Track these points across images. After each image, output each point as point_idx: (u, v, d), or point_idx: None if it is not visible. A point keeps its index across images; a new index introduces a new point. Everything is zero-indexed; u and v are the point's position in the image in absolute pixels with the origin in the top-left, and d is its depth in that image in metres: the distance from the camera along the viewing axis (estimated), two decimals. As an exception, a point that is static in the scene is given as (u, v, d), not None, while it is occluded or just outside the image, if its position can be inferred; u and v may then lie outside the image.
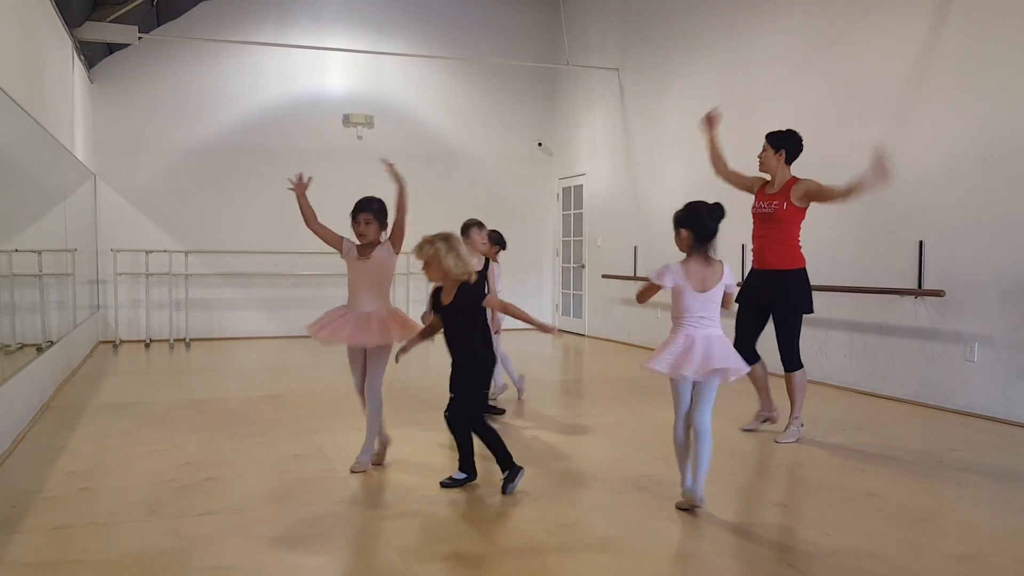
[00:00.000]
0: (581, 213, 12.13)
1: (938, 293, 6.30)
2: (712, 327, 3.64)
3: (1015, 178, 5.79)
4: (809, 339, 7.61)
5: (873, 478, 4.40)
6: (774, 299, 5.27)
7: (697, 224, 3.64)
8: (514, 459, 4.06)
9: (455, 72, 12.27)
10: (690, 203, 3.70)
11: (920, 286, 6.47)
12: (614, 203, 11.18)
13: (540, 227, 12.90)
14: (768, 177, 5.35)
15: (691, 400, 3.71)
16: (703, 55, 9.26)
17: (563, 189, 12.70)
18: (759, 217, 5.37)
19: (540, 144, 12.86)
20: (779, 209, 5.20)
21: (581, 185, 12.13)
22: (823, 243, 7.47)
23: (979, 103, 6.06)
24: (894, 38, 6.75)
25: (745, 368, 3.69)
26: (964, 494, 4.17)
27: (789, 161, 5.27)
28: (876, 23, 6.93)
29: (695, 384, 3.68)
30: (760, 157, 5.37)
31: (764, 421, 5.55)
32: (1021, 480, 4.45)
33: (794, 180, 5.21)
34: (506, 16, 12.50)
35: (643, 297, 3.75)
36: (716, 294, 3.65)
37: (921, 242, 6.47)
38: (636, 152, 10.67)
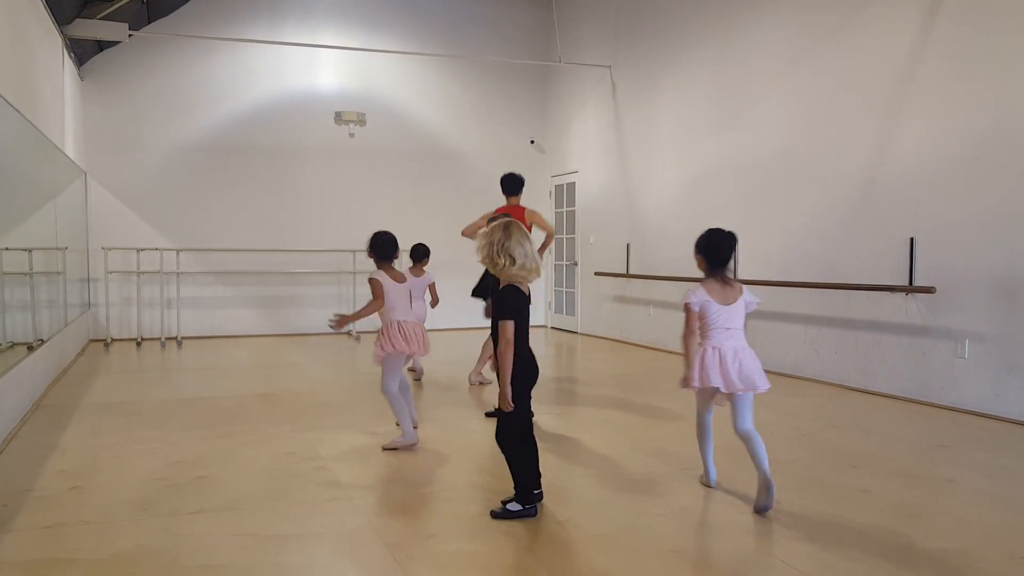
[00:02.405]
0: (573, 211, 12.14)
1: (929, 290, 6.32)
2: (738, 339, 3.91)
3: (1006, 175, 5.82)
4: (800, 336, 7.66)
5: (864, 474, 4.42)
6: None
7: (711, 253, 3.96)
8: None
9: (447, 69, 12.26)
10: (709, 231, 3.99)
11: (911, 283, 6.50)
12: (607, 200, 11.19)
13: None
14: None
15: (731, 407, 3.95)
16: (695, 52, 9.27)
17: (555, 187, 12.70)
18: None
19: (532, 141, 12.85)
20: None
21: (574, 183, 12.13)
22: (814, 240, 7.51)
23: (971, 100, 6.08)
24: (886, 35, 6.77)
25: (766, 385, 3.90)
26: (955, 490, 4.19)
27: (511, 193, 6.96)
28: (868, 20, 6.95)
29: (731, 396, 3.90)
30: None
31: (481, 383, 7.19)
32: (1011, 476, 4.48)
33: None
34: (498, 13, 12.49)
35: (689, 330, 3.95)
36: (738, 308, 3.93)
37: (912, 239, 6.50)
38: (628, 149, 10.68)
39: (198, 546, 3.32)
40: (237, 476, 4.35)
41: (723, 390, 3.87)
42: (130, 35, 9.15)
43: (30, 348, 6.41)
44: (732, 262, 3.99)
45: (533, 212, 6.99)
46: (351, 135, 11.60)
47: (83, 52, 10.02)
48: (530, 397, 3.77)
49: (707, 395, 4.04)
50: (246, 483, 4.21)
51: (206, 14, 10.88)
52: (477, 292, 7.14)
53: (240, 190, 11.25)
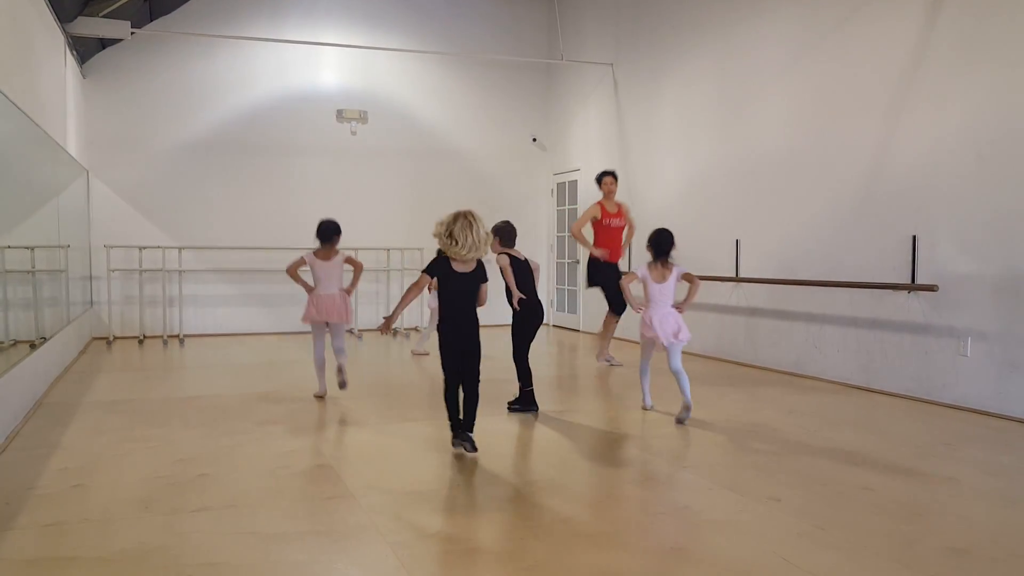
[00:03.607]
0: (575, 208, 12.11)
1: (931, 288, 6.31)
2: (667, 306, 5.74)
3: (1009, 173, 5.80)
4: (803, 334, 7.65)
5: (867, 472, 4.42)
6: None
7: (655, 245, 5.77)
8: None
9: (449, 67, 12.25)
10: (656, 231, 5.80)
11: (914, 281, 6.49)
12: (608, 198, 11.17)
13: (534, 222, 12.88)
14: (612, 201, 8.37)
15: (667, 354, 5.70)
16: (697, 49, 9.26)
17: (557, 184, 12.69)
18: (615, 229, 8.33)
19: (534, 139, 12.84)
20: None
21: (575, 180, 12.12)
22: (817, 238, 7.49)
23: (975, 98, 6.06)
24: (888, 31, 6.75)
25: (688, 337, 5.69)
26: (957, 488, 4.19)
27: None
28: (870, 16, 6.93)
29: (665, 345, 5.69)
30: (614, 187, 8.39)
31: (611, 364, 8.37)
32: (1014, 474, 4.47)
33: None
34: (500, 11, 12.48)
35: (626, 280, 6.01)
36: (670, 285, 5.73)
37: (915, 237, 6.49)
38: (630, 147, 10.67)
39: (200, 544, 3.32)
40: (239, 474, 4.35)
41: (661, 341, 5.63)
42: (132, 33, 9.17)
43: (32, 346, 6.41)
44: (671, 251, 5.71)
45: (594, 204, 8.42)
46: (353, 133, 11.59)
47: (85, 50, 10.03)
48: (458, 359, 4.68)
49: (648, 347, 5.88)
50: (248, 481, 4.22)
51: (208, 12, 10.88)
52: (591, 283, 8.41)
53: (242, 188, 11.25)
